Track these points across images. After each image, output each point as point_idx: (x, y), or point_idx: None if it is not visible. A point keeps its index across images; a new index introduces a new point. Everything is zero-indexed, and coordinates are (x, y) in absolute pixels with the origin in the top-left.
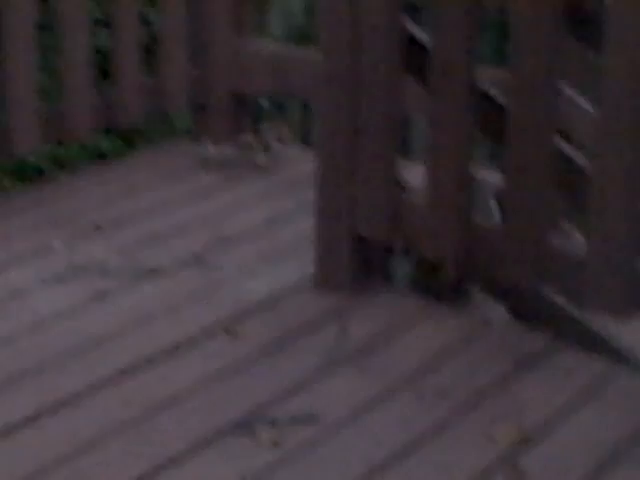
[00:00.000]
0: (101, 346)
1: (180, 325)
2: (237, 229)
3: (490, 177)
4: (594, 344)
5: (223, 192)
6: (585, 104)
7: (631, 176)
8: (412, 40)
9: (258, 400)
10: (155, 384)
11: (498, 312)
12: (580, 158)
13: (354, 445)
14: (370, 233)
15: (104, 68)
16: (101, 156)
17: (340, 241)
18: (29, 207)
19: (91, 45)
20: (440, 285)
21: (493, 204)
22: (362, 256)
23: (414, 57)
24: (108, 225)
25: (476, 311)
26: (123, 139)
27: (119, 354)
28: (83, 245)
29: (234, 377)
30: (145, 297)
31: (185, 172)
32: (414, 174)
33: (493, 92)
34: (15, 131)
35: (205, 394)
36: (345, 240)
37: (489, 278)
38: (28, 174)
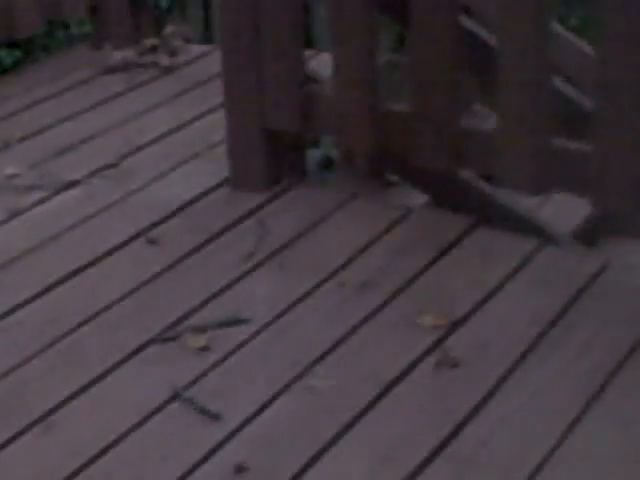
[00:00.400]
0: (20, 264)
1: (99, 237)
2: (148, 135)
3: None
4: (516, 224)
5: (129, 97)
6: None
7: (535, 51)
8: None
9: (184, 307)
10: (78, 298)
11: (418, 199)
12: (486, 35)
13: (282, 344)
14: (280, 126)
15: None
16: (2, 70)
17: (252, 138)
18: None
19: None
20: (357, 176)
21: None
22: (276, 152)
23: None
24: (15, 140)
25: (395, 200)
26: (22, 50)
27: (39, 271)
28: None
29: (158, 286)
30: (61, 211)
31: (88, 80)
32: (322, 63)
33: None
34: None
35: (130, 305)
36: (257, 136)
37: (405, 165)
38: None
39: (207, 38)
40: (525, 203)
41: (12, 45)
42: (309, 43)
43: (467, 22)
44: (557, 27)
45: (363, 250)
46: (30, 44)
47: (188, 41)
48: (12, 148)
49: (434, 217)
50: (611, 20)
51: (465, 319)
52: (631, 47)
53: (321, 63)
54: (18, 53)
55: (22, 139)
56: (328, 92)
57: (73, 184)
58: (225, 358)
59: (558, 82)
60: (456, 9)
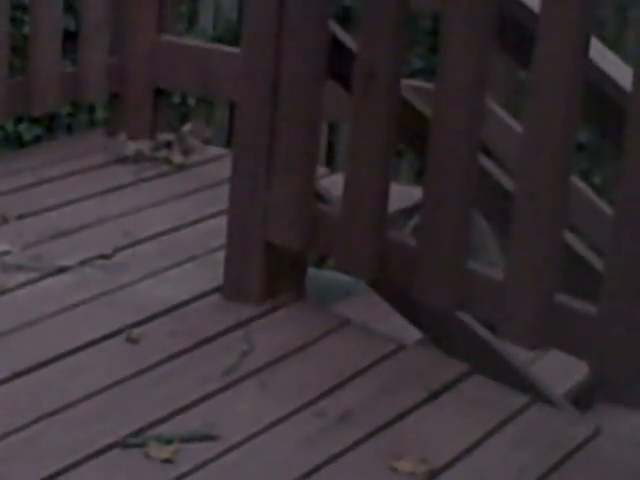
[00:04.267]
0: None
1: (80, 328)
2: (147, 229)
3: (415, 193)
4: (510, 376)
5: (135, 190)
6: (511, 122)
7: (555, 201)
8: (337, 44)
9: (154, 414)
10: (48, 390)
11: (413, 334)
12: (504, 179)
13: (250, 467)
14: (283, 242)
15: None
16: (20, 143)
17: (252, 249)
18: None
19: (8, 29)
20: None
21: (492, 245)
22: (274, 265)
23: (338, 61)
24: (14, 217)
25: (390, 332)
26: (43, 127)
27: (14, 355)
28: None
29: (130, 388)
30: (47, 295)
31: (99, 166)
32: (337, 184)
33: (418, 103)
34: None
35: (98, 403)
36: (257, 248)
37: (405, 297)
38: None
39: (229, 142)
40: (522, 355)
41: (34, 121)
42: (330, 162)
43: (486, 162)
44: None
45: (348, 380)
46: (52, 122)
47: (207, 142)
48: (9, 225)
49: (427, 356)
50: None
51: (445, 469)
52: None
53: (334, 183)
54: (38, 129)
55: (21, 217)
56: (335, 213)
57: (63, 270)
58: (188, 474)
59: (571, 238)
60: (475, 147)
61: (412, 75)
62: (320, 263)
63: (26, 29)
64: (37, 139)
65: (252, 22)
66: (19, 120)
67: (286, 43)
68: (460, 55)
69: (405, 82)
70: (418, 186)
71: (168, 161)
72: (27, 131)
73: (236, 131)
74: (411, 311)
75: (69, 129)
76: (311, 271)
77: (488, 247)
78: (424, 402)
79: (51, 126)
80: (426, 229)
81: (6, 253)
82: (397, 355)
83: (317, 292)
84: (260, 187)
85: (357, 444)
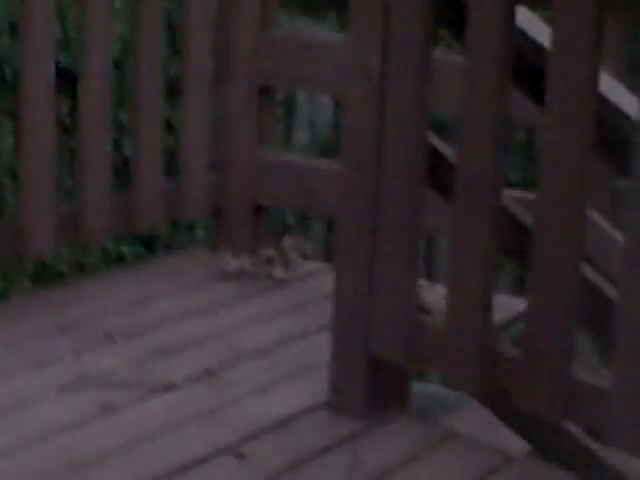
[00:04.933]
0: (103, 463)
1: (187, 444)
2: (252, 345)
3: (516, 303)
4: None
5: (239, 305)
6: (614, 232)
7: None
8: (437, 155)
9: None
10: None
11: (520, 445)
12: (608, 288)
13: None
14: (387, 355)
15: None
16: (121, 261)
17: (356, 362)
18: (41, 311)
19: (111, 149)
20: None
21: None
22: (379, 379)
23: (438, 173)
24: (120, 334)
25: (497, 444)
26: (145, 244)
27: (122, 474)
28: (93, 354)
29: None
30: (153, 412)
31: (202, 283)
32: (437, 295)
33: (519, 214)
34: (30, 232)
35: None
36: (361, 361)
37: (510, 408)
38: (48, 277)
39: (327, 256)
40: (636, 464)
41: (135, 240)
42: (429, 273)
43: (588, 272)
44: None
45: None
46: (153, 241)
47: (306, 256)
48: (115, 342)
49: (535, 469)
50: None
51: None
52: None
53: (436, 295)
54: (140, 249)
55: (126, 334)
56: (439, 326)
57: (169, 387)
58: None
59: None
60: (578, 258)
61: (509, 187)
62: (423, 376)
63: (127, 150)
64: (138, 257)
65: (351, 138)
66: (120, 238)
67: (385, 157)
68: (559, 165)
69: (506, 192)
70: (519, 296)
71: (270, 276)
72: (129, 251)
73: (337, 247)
74: (517, 422)
75: (169, 248)
76: (416, 384)
77: (584, 350)
78: None
79: (151, 245)
80: (530, 339)
81: (113, 371)
82: (505, 468)
83: (422, 405)
84: (362, 301)
85: None
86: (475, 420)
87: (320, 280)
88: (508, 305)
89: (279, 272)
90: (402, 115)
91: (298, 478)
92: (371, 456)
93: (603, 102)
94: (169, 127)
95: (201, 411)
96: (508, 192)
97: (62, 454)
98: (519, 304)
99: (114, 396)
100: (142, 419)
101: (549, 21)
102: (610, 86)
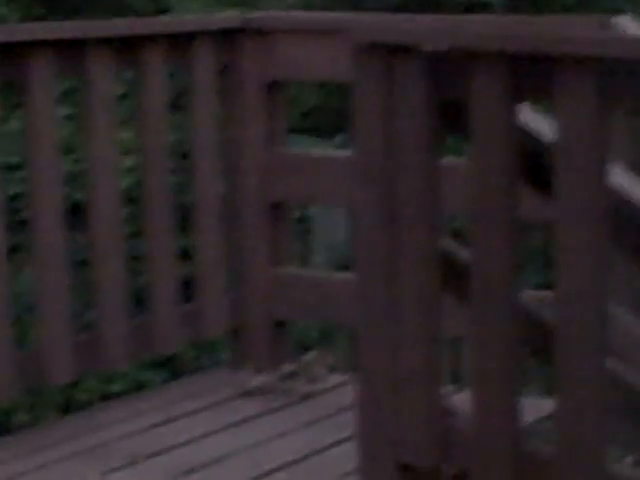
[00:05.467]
0: None
1: None
2: (277, 462)
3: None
4: None
5: (263, 423)
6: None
7: None
8: (451, 260)
9: None
10: None
11: None
12: (633, 378)
13: None
14: (415, 461)
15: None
16: (143, 385)
17: (384, 472)
18: (68, 438)
19: (125, 275)
20: None
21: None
22: None
23: (454, 276)
24: (144, 457)
25: None
26: (168, 370)
27: None
28: (118, 478)
29: None
30: None
31: (225, 401)
32: (463, 399)
33: (539, 312)
34: (48, 360)
35: None
36: (390, 469)
37: None
38: (74, 407)
39: (354, 368)
40: None
41: (158, 365)
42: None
43: (619, 371)
44: None
45: None
46: (177, 367)
47: (331, 369)
48: (139, 464)
49: None
50: None
51: None
52: None
53: (463, 399)
54: (165, 374)
55: (150, 455)
56: (467, 430)
57: None
58: None
59: None
60: (603, 353)
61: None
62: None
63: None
64: (163, 383)
65: (363, 246)
66: (144, 367)
67: (398, 264)
68: (577, 260)
69: (525, 294)
70: (548, 396)
71: (293, 391)
72: (155, 376)
73: (358, 359)
74: None
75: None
76: None
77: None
78: None
79: (176, 369)
80: (563, 438)
81: None
82: None
83: None
84: (387, 408)
85: None
86: None
87: (344, 393)
88: (539, 407)
89: (302, 387)
90: (412, 219)
91: None
92: None
93: (615, 193)
94: (186, 253)
95: None
96: (529, 293)
97: None
98: (548, 405)
99: None
100: None
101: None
102: (623, 178)
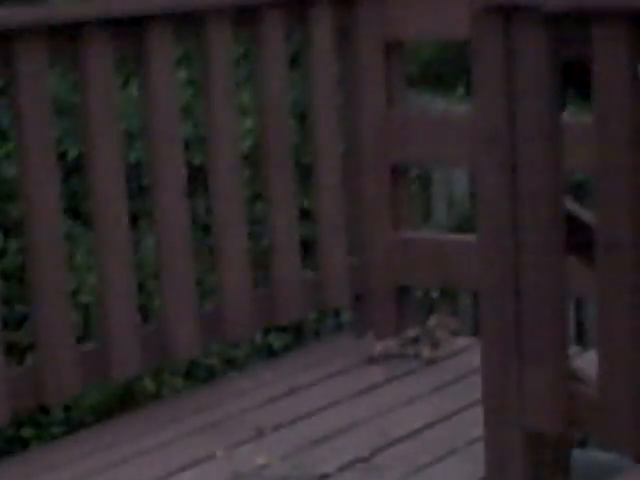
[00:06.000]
0: None
1: None
2: (403, 428)
3: None
4: None
5: (388, 389)
6: None
7: None
8: (574, 219)
9: None
10: None
11: None
12: None
13: None
14: (542, 427)
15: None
16: (270, 352)
17: (511, 437)
18: (192, 412)
19: (248, 244)
20: None
21: None
22: (536, 452)
23: (578, 236)
24: (270, 428)
25: None
26: (292, 335)
27: None
28: (245, 451)
29: None
30: None
31: (349, 369)
32: (591, 361)
33: None
34: (175, 332)
35: None
36: (516, 436)
37: None
38: (200, 375)
39: (477, 330)
40: None
41: (283, 329)
42: (580, 339)
43: None
44: None
45: None
46: (300, 329)
47: (455, 333)
48: (266, 436)
49: None
50: None
51: None
52: None
53: (587, 361)
54: (288, 338)
55: (277, 427)
56: (592, 392)
57: (324, 477)
58: None
59: None
60: None
61: None
62: (583, 443)
63: (264, 242)
64: (286, 347)
65: (486, 208)
66: (268, 330)
67: (522, 225)
68: None
69: None
70: None
71: (417, 356)
72: (276, 340)
73: (482, 323)
74: None
75: (317, 334)
76: (575, 452)
77: None
78: None
79: (299, 333)
80: None
81: (265, 466)
82: None
83: (583, 473)
84: (512, 375)
85: None
86: None
87: (469, 356)
88: None
89: (426, 352)
90: (535, 181)
91: None
92: None
93: None
94: (307, 215)
95: None
96: None
97: None
98: None
99: None
100: None
101: None
102: None
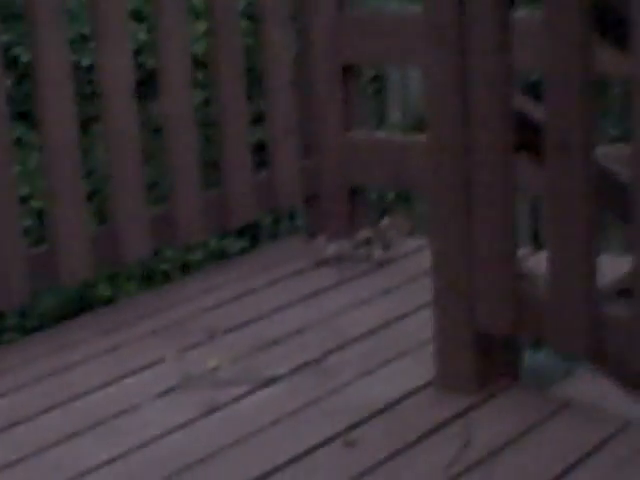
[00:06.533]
0: (214, 462)
1: (296, 436)
2: (355, 330)
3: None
4: None
5: (339, 291)
6: None
7: None
8: (525, 119)
9: None
10: None
11: (636, 410)
12: None
13: None
14: (491, 327)
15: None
16: (226, 257)
17: (461, 338)
18: (145, 316)
19: (198, 145)
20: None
21: None
22: (485, 353)
23: (528, 135)
24: (221, 331)
25: (614, 410)
26: (249, 238)
27: (235, 469)
28: (196, 354)
29: None
30: (260, 407)
31: (301, 271)
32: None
33: (616, 169)
34: (126, 235)
35: None
36: (466, 337)
37: (624, 373)
38: (156, 280)
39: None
40: None
41: (239, 235)
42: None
43: None
44: None
45: (573, 467)
46: (256, 234)
47: (410, 234)
48: (217, 339)
49: None
50: None
51: None
52: None
53: (539, 261)
54: (244, 242)
55: (227, 330)
56: (543, 292)
57: (274, 380)
58: None
59: None
60: None
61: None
62: (537, 344)
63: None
64: (242, 252)
65: (435, 105)
66: (224, 236)
67: (472, 123)
68: None
69: (602, 149)
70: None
71: (369, 258)
72: (232, 245)
73: (431, 224)
74: (634, 384)
75: (273, 238)
76: (527, 354)
77: None
78: None
79: (255, 238)
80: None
81: (216, 368)
82: (622, 434)
83: (534, 375)
84: (462, 276)
85: None
86: (590, 386)
87: (421, 257)
88: (619, 265)
89: (378, 253)
90: (484, 75)
91: (410, 460)
92: (483, 432)
93: None
94: (260, 119)
95: (308, 401)
96: (606, 148)
97: (172, 455)
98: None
99: (219, 394)
100: (249, 415)
101: None
102: None
